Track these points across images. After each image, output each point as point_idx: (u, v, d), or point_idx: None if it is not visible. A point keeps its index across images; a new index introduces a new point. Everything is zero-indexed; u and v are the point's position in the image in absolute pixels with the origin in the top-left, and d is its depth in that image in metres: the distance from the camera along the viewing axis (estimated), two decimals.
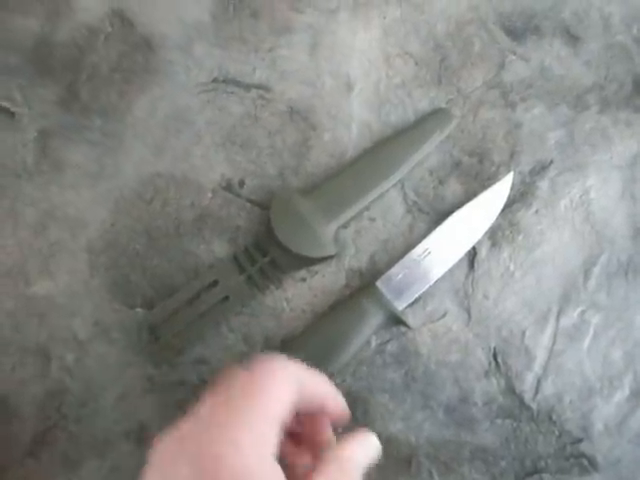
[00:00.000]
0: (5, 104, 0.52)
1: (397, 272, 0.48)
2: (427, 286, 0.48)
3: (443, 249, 0.48)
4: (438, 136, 0.50)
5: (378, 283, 0.47)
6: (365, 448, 0.33)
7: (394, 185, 0.50)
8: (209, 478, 0.28)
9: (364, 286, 0.48)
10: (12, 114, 0.52)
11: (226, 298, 0.48)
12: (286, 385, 0.32)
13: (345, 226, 0.50)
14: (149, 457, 0.32)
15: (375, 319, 0.47)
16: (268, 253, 0.48)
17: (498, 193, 0.49)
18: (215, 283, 0.48)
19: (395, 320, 0.47)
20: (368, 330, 0.47)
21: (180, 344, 0.47)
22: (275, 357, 0.33)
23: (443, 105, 0.52)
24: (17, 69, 0.53)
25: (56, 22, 0.54)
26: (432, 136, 0.50)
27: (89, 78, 0.53)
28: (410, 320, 0.48)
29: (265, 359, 0.33)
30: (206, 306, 0.47)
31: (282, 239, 0.47)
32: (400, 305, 0.47)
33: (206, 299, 0.47)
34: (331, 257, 0.48)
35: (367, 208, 0.50)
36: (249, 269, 0.48)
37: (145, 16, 0.54)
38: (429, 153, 0.51)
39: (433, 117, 0.51)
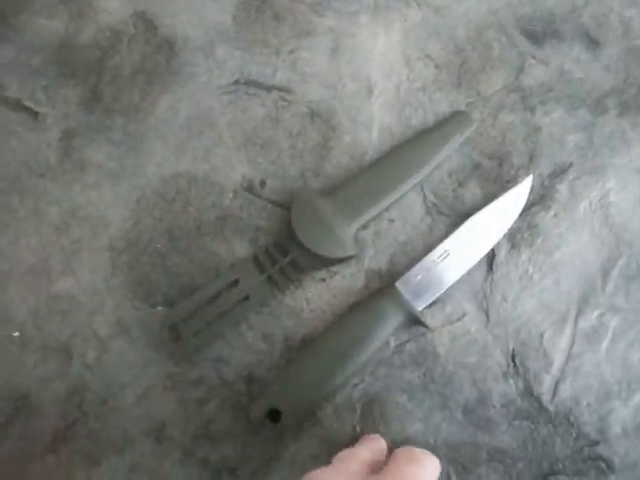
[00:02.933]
0: (29, 104, 0.53)
1: (416, 273, 0.48)
2: (446, 288, 0.48)
3: (462, 251, 0.48)
4: (458, 139, 0.51)
5: (397, 284, 0.47)
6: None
7: (414, 187, 0.50)
8: None
9: (383, 287, 0.48)
10: (36, 114, 0.53)
11: (246, 297, 0.48)
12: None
13: (365, 227, 0.50)
14: None
15: (394, 320, 0.47)
16: (288, 253, 0.48)
17: (517, 196, 0.49)
18: (236, 283, 0.48)
19: (414, 321, 0.48)
20: (387, 330, 0.47)
21: (200, 343, 0.47)
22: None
23: (462, 108, 0.52)
24: (41, 70, 0.54)
25: (80, 24, 0.55)
26: (452, 139, 0.51)
27: (112, 79, 0.53)
28: (429, 321, 0.48)
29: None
30: (226, 305, 0.48)
31: (303, 239, 0.47)
32: (419, 306, 0.47)
33: (226, 298, 0.48)
34: (351, 258, 0.49)
35: (387, 209, 0.50)
36: (269, 269, 0.48)
37: (168, 18, 0.55)
38: (449, 156, 0.51)
39: (453, 120, 0.51)
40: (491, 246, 0.49)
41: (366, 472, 0.38)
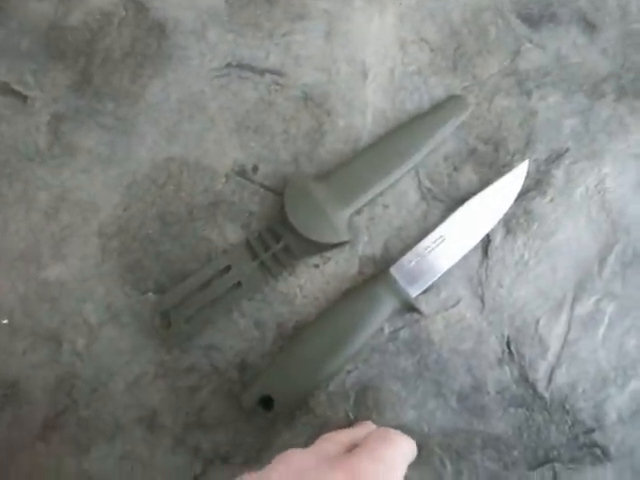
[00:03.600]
0: (18, 88, 0.52)
1: (411, 259, 0.47)
2: (441, 274, 0.47)
3: (457, 237, 0.48)
4: (453, 123, 0.50)
5: (392, 270, 0.47)
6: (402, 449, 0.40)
7: (408, 172, 0.50)
8: None
9: (377, 273, 0.48)
10: (25, 98, 0.52)
11: (238, 284, 0.47)
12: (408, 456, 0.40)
13: (359, 212, 0.49)
14: None
15: (388, 306, 0.46)
16: (281, 239, 0.48)
17: (513, 181, 0.49)
18: (228, 269, 0.48)
19: (408, 307, 0.47)
20: (381, 317, 0.46)
21: (191, 329, 0.47)
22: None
23: (458, 92, 0.52)
24: (30, 53, 0.53)
25: (69, 6, 0.54)
26: (447, 123, 0.50)
27: (102, 62, 0.53)
28: (423, 307, 0.48)
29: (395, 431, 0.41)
30: (218, 292, 0.47)
31: (295, 225, 0.47)
32: (413, 292, 0.47)
33: (218, 285, 0.47)
34: (345, 243, 0.48)
35: (381, 195, 0.49)
36: (262, 255, 0.48)
37: (159, 1, 0.54)
38: (444, 140, 0.50)
39: (448, 104, 0.51)
40: (486, 231, 0.48)
41: (342, 453, 0.38)
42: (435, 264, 0.47)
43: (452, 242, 0.48)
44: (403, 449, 0.39)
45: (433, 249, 0.47)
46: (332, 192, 0.48)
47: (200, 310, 0.47)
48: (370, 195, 0.48)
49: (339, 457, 0.36)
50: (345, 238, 0.47)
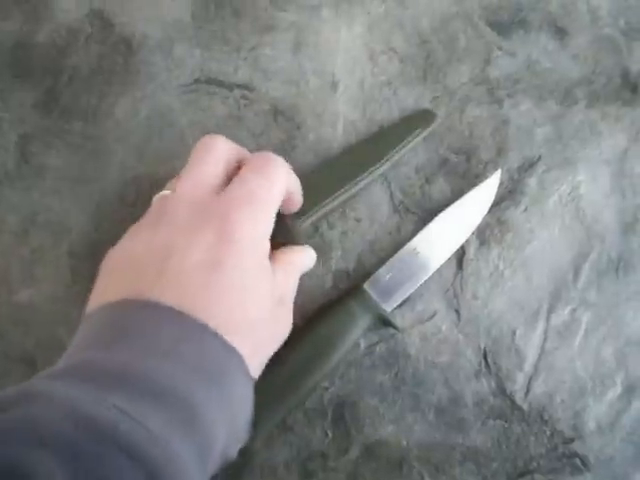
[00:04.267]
0: None
1: (385, 273, 0.47)
2: (416, 287, 0.47)
3: (431, 249, 0.47)
4: (419, 134, 0.50)
5: (365, 285, 0.46)
6: (303, 256, 0.44)
7: (380, 185, 0.49)
8: (226, 241, 0.34)
9: (352, 288, 0.47)
10: None
11: None
12: (284, 183, 0.39)
13: (330, 227, 0.49)
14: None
15: (363, 322, 0.46)
16: None
17: (486, 191, 0.48)
18: None
19: (383, 322, 0.47)
20: (356, 333, 0.46)
21: None
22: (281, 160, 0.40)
23: (428, 103, 0.51)
24: None
25: (35, 24, 0.53)
26: (411, 135, 0.49)
27: (69, 81, 0.52)
28: (399, 321, 0.48)
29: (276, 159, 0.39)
30: None
31: None
32: (389, 307, 0.47)
33: None
34: None
35: (353, 209, 0.49)
36: None
37: (125, 16, 0.53)
38: (413, 152, 0.50)
39: (415, 117, 0.50)
40: (460, 243, 0.48)
41: (221, 182, 0.38)
42: (409, 277, 0.47)
43: (426, 255, 0.47)
44: (278, 182, 0.38)
45: (407, 262, 0.47)
46: None
47: None
48: (328, 207, 0.47)
49: (212, 202, 0.36)
50: (299, 242, 0.46)
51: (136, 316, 0.32)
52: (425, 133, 0.50)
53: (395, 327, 0.47)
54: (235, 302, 0.34)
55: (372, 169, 0.48)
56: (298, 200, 0.43)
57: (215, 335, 0.32)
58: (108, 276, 0.36)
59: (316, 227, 0.49)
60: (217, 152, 0.39)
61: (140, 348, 0.30)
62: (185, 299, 0.32)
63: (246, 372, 0.34)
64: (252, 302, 0.35)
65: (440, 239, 0.48)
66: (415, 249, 0.47)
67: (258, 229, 0.36)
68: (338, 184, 0.48)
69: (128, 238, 0.37)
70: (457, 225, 0.48)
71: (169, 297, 0.32)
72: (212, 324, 0.32)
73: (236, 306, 0.34)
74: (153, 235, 0.36)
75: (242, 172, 0.38)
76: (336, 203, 0.48)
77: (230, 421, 0.32)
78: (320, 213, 0.47)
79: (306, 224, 0.47)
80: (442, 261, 0.48)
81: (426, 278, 0.47)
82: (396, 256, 0.47)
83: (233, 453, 0.36)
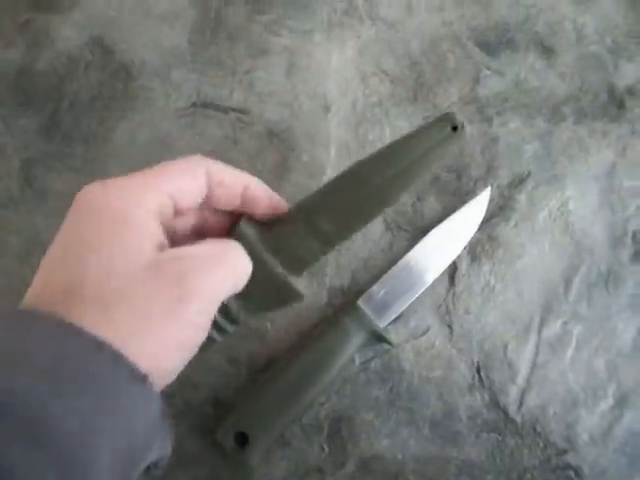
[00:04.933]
0: None
1: (378, 290, 0.48)
2: (409, 303, 0.48)
3: (423, 265, 0.48)
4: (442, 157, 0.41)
5: (360, 302, 0.48)
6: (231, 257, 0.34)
7: None
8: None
9: (346, 305, 0.48)
10: None
11: None
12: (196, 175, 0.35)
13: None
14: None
15: (358, 338, 0.47)
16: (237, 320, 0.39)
17: (476, 208, 0.49)
18: None
19: (378, 338, 0.48)
20: (351, 349, 0.47)
21: None
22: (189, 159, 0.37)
23: (420, 122, 0.52)
24: None
25: (36, 52, 0.55)
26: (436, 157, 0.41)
27: (70, 106, 0.53)
28: (393, 337, 0.48)
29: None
30: None
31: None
32: (382, 323, 0.48)
33: None
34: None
35: None
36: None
37: (124, 43, 0.55)
38: None
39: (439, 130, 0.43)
40: (452, 259, 0.49)
41: None
42: (402, 294, 0.48)
43: (418, 271, 0.48)
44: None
45: (400, 279, 0.48)
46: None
47: None
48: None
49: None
50: (300, 300, 0.38)
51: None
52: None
53: (389, 343, 0.48)
54: (89, 261, 0.29)
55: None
56: (262, 198, 0.38)
57: (65, 323, 0.27)
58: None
59: None
60: None
61: None
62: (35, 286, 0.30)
63: (131, 373, 0.27)
64: (113, 261, 0.29)
65: (432, 255, 0.49)
66: (408, 265, 0.48)
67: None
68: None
69: None
70: (449, 241, 0.49)
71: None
72: (49, 306, 0.28)
73: (92, 265, 0.29)
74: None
75: None
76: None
77: (124, 433, 0.27)
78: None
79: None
80: (434, 277, 0.49)
81: (419, 294, 0.48)
82: (389, 273, 0.48)
83: (155, 468, 0.31)
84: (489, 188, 0.50)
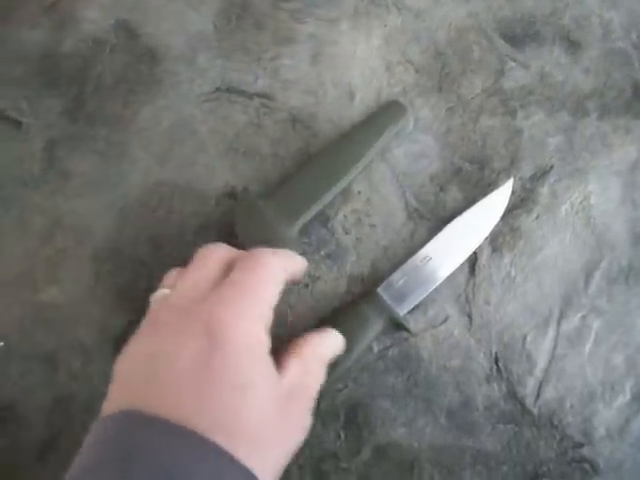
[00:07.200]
0: (13, 114, 0.53)
1: (398, 278, 0.48)
2: (428, 292, 0.48)
3: (444, 255, 0.48)
4: (392, 129, 0.51)
5: (379, 290, 0.48)
6: (326, 343, 0.42)
7: (395, 192, 0.51)
8: (214, 343, 0.33)
9: (365, 293, 0.48)
10: (19, 124, 0.53)
11: None
12: (278, 275, 0.39)
13: (346, 232, 0.50)
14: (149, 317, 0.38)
15: (377, 325, 0.47)
16: None
17: (498, 199, 0.49)
18: None
19: (397, 326, 0.48)
20: (370, 336, 0.47)
21: None
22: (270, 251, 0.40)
23: (443, 112, 0.53)
24: (24, 80, 0.54)
25: (62, 34, 0.55)
26: (385, 130, 0.51)
27: (95, 89, 0.54)
28: (412, 325, 0.48)
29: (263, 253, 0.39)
30: None
31: (246, 244, 0.46)
32: (401, 311, 0.48)
33: None
34: None
35: (368, 215, 0.50)
36: None
37: (150, 27, 0.55)
38: (427, 159, 0.51)
39: (386, 110, 0.52)
40: (473, 249, 0.49)
41: (219, 277, 0.38)
42: (422, 282, 0.48)
43: (439, 261, 0.48)
44: (273, 272, 0.38)
45: (420, 268, 0.48)
46: (279, 208, 0.48)
47: None
48: (316, 208, 0.49)
49: (199, 304, 0.36)
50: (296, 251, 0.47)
51: (136, 432, 0.32)
52: (397, 128, 0.51)
53: (408, 330, 0.48)
54: (229, 406, 0.33)
55: (350, 171, 0.50)
56: (300, 278, 0.44)
57: (218, 450, 0.31)
58: (116, 384, 0.36)
59: (331, 232, 0.50)
60: (217, 257, 0.39)
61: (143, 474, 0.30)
62: (177, 408, 0.32)
63: None
64: (249, 404, 0.33)
65: (453, 245, 0.49)
66: (428, 255, 0.48)
67: (248, 326, 0.35)
68: (322, 187, 0.49)
69: (131, 345, 0.37)
70: (470, 232, 0.49)
71: (163, 408, 0.32)
72: (208, 433, 0.31)
73: (231, 410, 0.33)
74: (148, 344, 0.36)
75: (231, 273, 0.37)
76: (321, 206, 0.49)
77: None
78: (308, 217, 0.49)
79: (297, 230, 0.49)
80: (454, 267, 0.49)
81: (438, 284, 0.48)
82: (409, 262, 0.48)
83: None
84: (512, 179, 0.50)
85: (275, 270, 0.38)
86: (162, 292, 0.39)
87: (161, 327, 0.36)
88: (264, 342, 0.36)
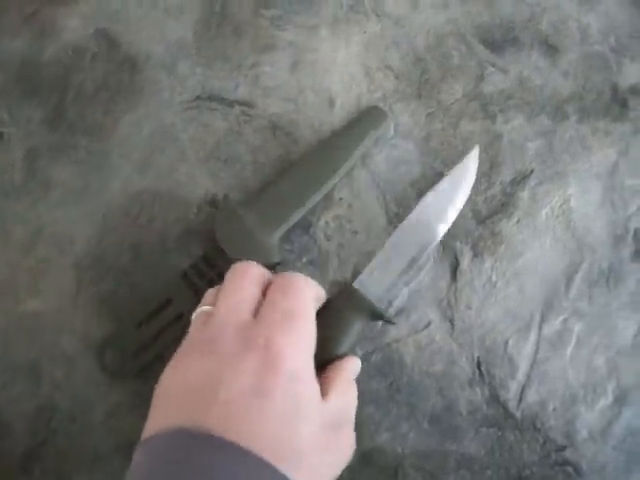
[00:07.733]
0: None
1: (370, 271, 0.47)
2: (404, 282, 0.48)
3: (416, 238, 0.47)
4: (373, 134, 0.51)
5: (355, 284, 0.46)
6: (351, 368, 0.42)
7: (376, 198, 0.51)
8: (271, 368, 0.34)
9: (342, 289, 0.47)
10: (0, 134, 0.53)
11: (181, 316, 0.47)
12: (314, 304, 0.41)
13: (327, 239, 0.50)
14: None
15: (357, 320, 0.45)
16: (216, 267, 0.48)
17: (466, 170, 0.49)
18: (169, 302, 0.48)
19: (378, 317, 0.46)
20: (352, 333, 0.45)
21: (140, 363, 0.48)
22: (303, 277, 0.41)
23: (423, 118, 0.53)
24: (4, 89, 0.54)
25: (42, 43, 0.55)
26: (367, 135, 0.51)
27: (75, 97, 0.54)
28: (393, 333, 0.48)
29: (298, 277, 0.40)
30: (161, 325, 0.48)
31: (227, 250, 0.47)
32: (381, 305, 0.46)
33: (161, 318, 0.48)
34: (276, 265, 0.48)
35: (349, 221, 0.50)
36: (198, 283, 0.48)
37: (130, 35, 0.55)
38: (407, 165, 0.51)
39: (366, 116, 0.52)
40: (448, 225, 0.48)
41: (257, 305, 0.39)
42: (397, 271, 0.47)
43: (413, 243, 0.47)
44: (308, 297, 0.40)
45: (393, 255, 0.47)
46: (260, 216, 0.49)
47: (145, 345, 0.47)
48: (297, 215, 0.49)
49: (252, 327, 0.37)
50: (275, 260, 0.48)
51: (192, 449, 0.32)
52: (378, 133, 0.52)
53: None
54: (283, 430, 0.34)
55: (330, 178, 0.50)
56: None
57: (274, 472, 0.32)
58: (164, 401, 0.37)
59: (313, 239, 0.50)
60: (251, 276, 0.40)
61: None
62: (234, 428, 0.33)
63: None
64: (301, 428, 0.35)
65: (425, 224, 0.48)
66: (401, 239, 0.48)
67: (301, 349, 0.37)
68: (303, 194, 0.50)
69: (180, 362, 0.37)
70: (441, 209, 0.48)
71: (221, 426, 0.33)
72: (263, 454, 0.32)
73: (284, 434, 0.34)
74: (202, 363, 0.36)
75: (270, 295, 0.39)
76: (302, 213, 0.50)
77: None
78: (290, 224, 0.49)
79: (278, 238, 0.49)
80: (430, 248, 0.48)
81: (416, 272, 0.49)
82: (381, 252, 0.47)
83: None
84: (477, 147, 0.49)
85: (311, 292, 0.40)
86: (203, 310, 0.40)
87: (217, 347, 0.36)
88: (312, 369, 0.37)
